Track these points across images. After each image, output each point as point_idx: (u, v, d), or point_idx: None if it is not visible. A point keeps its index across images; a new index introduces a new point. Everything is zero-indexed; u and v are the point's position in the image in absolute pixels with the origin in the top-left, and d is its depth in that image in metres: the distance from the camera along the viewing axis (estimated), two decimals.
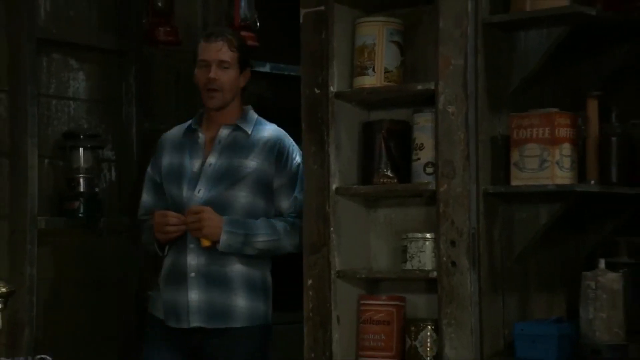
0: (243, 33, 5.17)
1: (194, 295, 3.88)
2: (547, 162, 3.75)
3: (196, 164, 4.04)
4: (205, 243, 3.92)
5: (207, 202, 3.96)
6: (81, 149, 4.72)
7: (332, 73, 4.14)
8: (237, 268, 3.99)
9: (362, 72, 4.10)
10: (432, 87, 3.89)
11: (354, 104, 4.21)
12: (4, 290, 4.04)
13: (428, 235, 3.98)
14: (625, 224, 4.14)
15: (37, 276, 4.36)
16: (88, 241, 4.77)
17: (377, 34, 4.08)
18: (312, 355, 4.14)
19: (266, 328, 4.19)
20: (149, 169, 4.23)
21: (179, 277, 3.93)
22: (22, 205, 4.43)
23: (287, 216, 4.20)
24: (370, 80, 4.09)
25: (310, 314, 4.15)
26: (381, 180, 4.10)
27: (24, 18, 4.52)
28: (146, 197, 4.18)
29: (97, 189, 4.76)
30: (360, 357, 4.09)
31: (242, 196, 4.03)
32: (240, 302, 3.95)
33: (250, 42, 5.20)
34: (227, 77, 3.98)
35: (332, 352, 4.10)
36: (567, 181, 3.75)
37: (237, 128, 4.07)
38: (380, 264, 4.23)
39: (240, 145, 4.06)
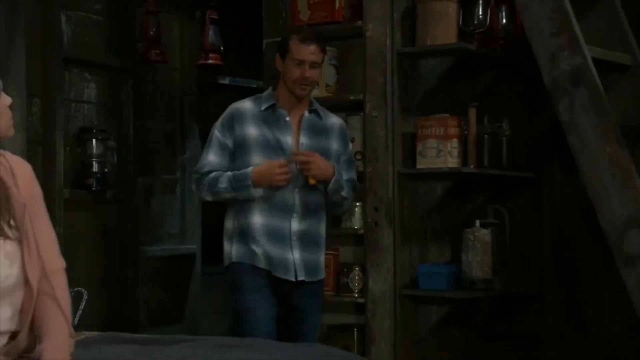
0: (211, 55, 5.27)
1: (297, 255, 3.58)
2: (442, 152, 3.97)
3: (289, 140, 3.62)
4: (312, 181, 3.57)
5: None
6: (94, 140, 4.80)
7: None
8: (322, 229, 3.69)
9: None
10: (361, 98, 4.08)
11: None
12: None
13: (357, 204, 4.13)
14: (493, 195, 4.34)
15: (63, 233, 4.43)
16: (99, 207, 4.86)
17: None
18: None
19: None
20: (217, 133, 3.65)
21: (283, 239, 3.58)
22: (52, 181, 4.47)
23: None
24: (315, 92, 4.09)
25: None
26: None
27: (54, 43, 4.58)
28: (213, 157, 3.62)
29: (105, 169, 4.81)
30: None
31: None
32: (321, 258, 3.70)
33: (216, 62, 5.29)
34: (316, 74, 3.65)
35: None
36: (455, 165, 3.99)
37: (314, 112, 3.71)
38: None
39: (319, 128, 3.68)
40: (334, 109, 4.20)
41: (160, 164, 5.40)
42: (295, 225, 3.59)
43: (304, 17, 4.20)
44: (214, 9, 5.25)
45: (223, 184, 3.57)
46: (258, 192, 3.55)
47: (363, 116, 4.09)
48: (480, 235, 4.05)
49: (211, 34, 5.23)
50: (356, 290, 4.15)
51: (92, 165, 4.79)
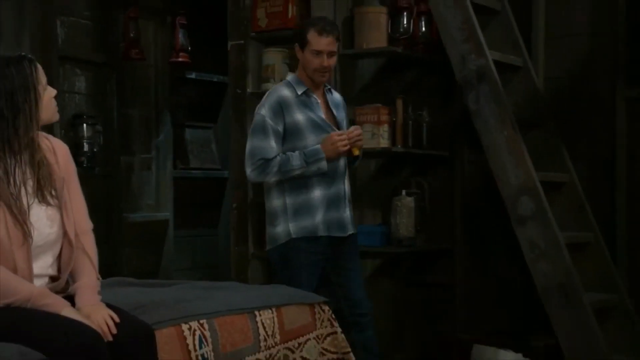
0: (181, 54, 5.28)
1: (348, 212, 3.49)
2: (375, 135, 4.04)
3: (324, 117, 3.48)
4: (356, 152, 3.48)
5: None
6: (84, 125, 4.83)
7: (249, 81, 4.29)
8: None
9: (267, 80, 4.23)
10: None
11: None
12: None
13: None
14: (415, 170, 4.44)
15: None
16: (89, 181, 4.70)
17: (275, 59, 4.23)
18: (236, 249, 4.34)
19: None
20: (270, 122, 3.39)
21: (339, 201, 3.46)
22: None
23: None
24: (272, 85, 4.05)
25: (236, 226, 4.34)
26: None
27: (51, 43, 4.59)
28: (274, 144, 3.39)
29: (94, 149, 4.84)
30: (264, 249, 3.82)
31: None
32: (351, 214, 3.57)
33: (185, 60, 5.33)
34: (333, 62, 3.46)
35: (248, 247, 4.31)
36: (386, 146, 4.05)
37: (328, 91, 3.57)
38: None
39: (334, 103, 3.57)
40: None
41: (139, 145, 5.36)
42: (346, 187, 3.50)
43: (262, 24, 4.21)
44: (183, 16, 5.30)
45: (295, 162, 3.38)
46: (326, 166, 3.41)
47: None
48: (406, 202, 4.13)
49: (181, 37, 5.28)
50: None
51: (83, 146, 4.82)
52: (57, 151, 2.49)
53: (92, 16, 5.01)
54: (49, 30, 4.61)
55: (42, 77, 2.41)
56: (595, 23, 4.08)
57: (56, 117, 2.48)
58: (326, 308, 3.15)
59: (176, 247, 5.59)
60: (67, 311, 2.28)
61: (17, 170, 2.34)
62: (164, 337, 2.48)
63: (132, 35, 5.16)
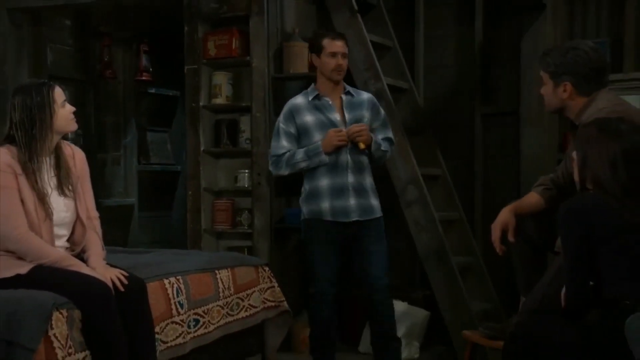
0: (144, 73, 5.40)
1: (353, 201, 3.30)
2: None
3: (337, 117, 3.34)
4: (362, 146, 3.28)
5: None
6: None
7: (201, 96, 4.28)
8: (368, 180, 3.38)
9: (216, 96, 4.28)
10: (249, 104, 4.13)
11: (211, 111, 4.36)
12: None
13: (247, 171, 4.24)
14: None
15: None
16: None
17: (222, 80, 4.29)
18: (191, 226, 4.34)
19: None
20: (282, 125, 3.35)
21: (343, 191, 3.31)
22: None
23: None
24: (219, 100, 4.27)
25: (191, 208, 4.34)
26: (224, 146, 4.33)
27: (43, 65, 4.72)
28: (285, 143, 3.33)
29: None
30: (214, 226, 4.33)
31: None
32: (373, 201, 3.38)
33: (148, 78, 5.45)
34: (346, 62, 3.35)
35: (201, 225, 4.32)
36: None
37: (348, 93, 3.39)
38: (222, 184, 4.39)
39: (354, 103, 3.39)
40: (231, 112, 4.30)
41: (111, 145, 5.45)
42: (350, 179, 3.32)
43: (212, 52, 4.24)
44: (146, 44, 5.42)
45: (299, 155, 3.32)
46: (326, 158, 3.30)
47: (250, 116, 4.13)
48: None
49: (144, 60, 5.44)
50: (246, 225, 4.23)
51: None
52: (75, 156, 2.68)
53: (74, 44, 5.14)
54: (41, 54, 4.74)
55: (58, 97, 2.57)
56: (460, 58, 4.31)
57: (73, 127, 2.62)
58: (267, 268, 3.37)
59: (140, 226, 5.69)
60: (85, 269, 2.53)
61: (42, 168, 2.54)
62: (151, 288, 2.71)
63: (106, 59, 5.30)
